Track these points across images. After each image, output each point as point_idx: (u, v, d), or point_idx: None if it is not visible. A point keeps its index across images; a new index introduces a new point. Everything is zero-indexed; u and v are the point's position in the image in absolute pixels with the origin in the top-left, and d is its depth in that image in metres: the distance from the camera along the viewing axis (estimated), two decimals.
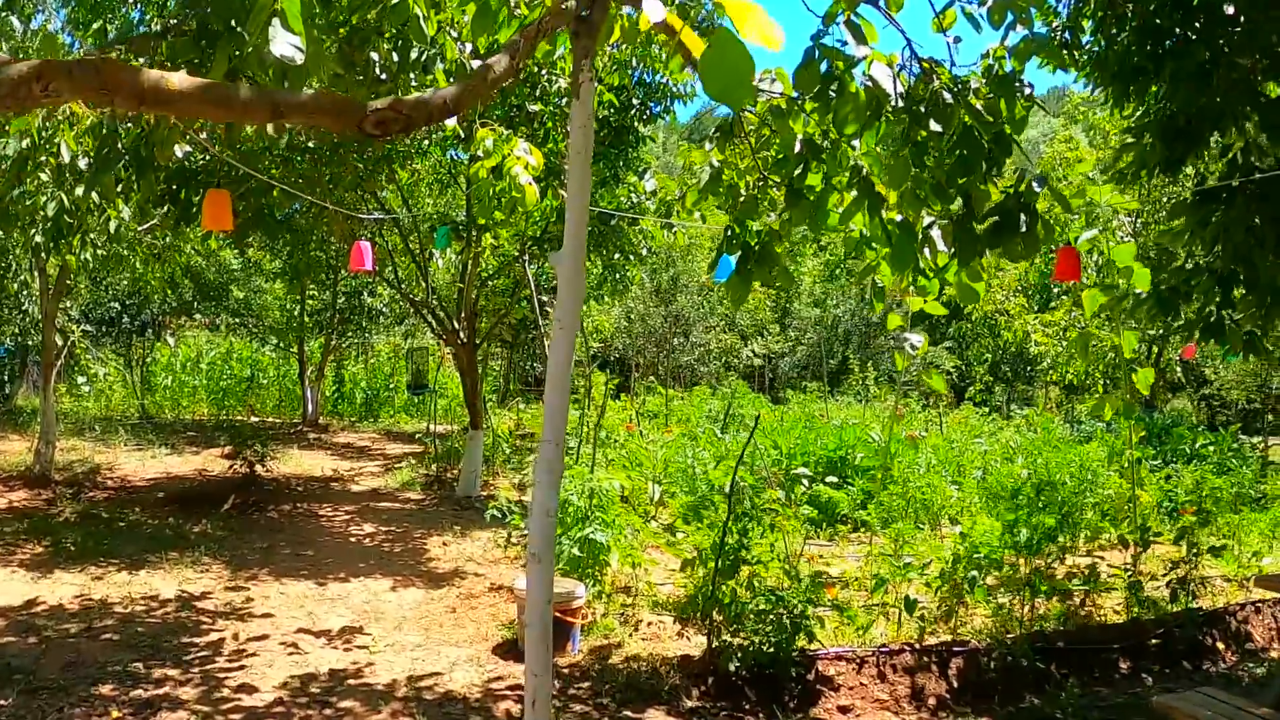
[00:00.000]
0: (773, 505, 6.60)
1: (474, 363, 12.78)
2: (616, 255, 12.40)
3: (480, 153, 6.06)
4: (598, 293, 16.26)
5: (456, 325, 12.44)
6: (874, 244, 6.16)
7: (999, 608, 6.93)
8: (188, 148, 7.96)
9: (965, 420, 17.28)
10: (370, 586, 7.84)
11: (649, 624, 6.75)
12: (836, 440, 11.98)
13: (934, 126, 4.59)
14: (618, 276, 12.66)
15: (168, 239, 13.79)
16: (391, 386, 23.70)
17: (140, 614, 6.71)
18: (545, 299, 18.38)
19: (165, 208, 8.72)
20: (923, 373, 8.58)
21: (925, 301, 8.55)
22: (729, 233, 6.01)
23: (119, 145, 4.94)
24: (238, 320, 22.83)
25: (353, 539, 9.74)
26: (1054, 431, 15.33)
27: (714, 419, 15.67)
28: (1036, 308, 21.13)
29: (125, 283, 19.58)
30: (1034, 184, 4.87)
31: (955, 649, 6.37)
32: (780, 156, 5.80)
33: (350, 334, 22.54)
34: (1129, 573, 7.62)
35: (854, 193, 5.40)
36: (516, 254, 12.92)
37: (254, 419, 19.97)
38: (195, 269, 19.59)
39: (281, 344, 21.60)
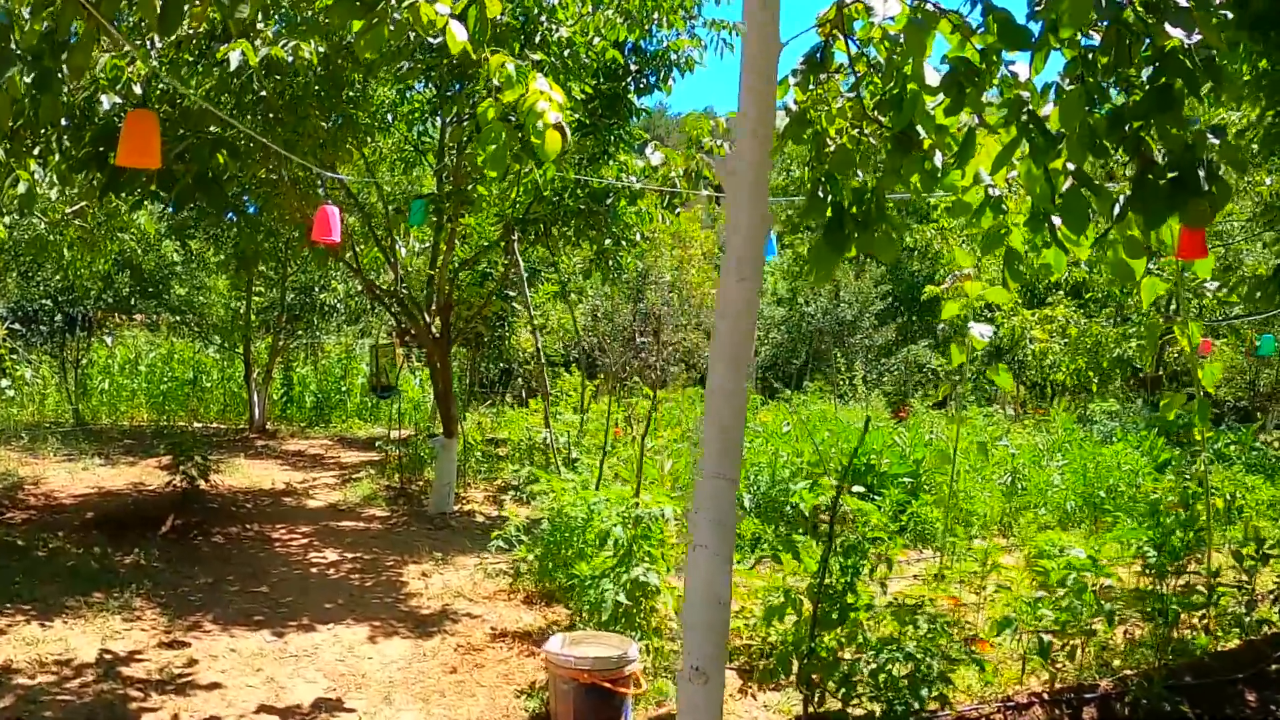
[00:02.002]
0: (879, 534, 5.27)
1: (447, 361, 11.32)
2: (608, 241, 11.02)
3: (497, 82, 4.67)
4: (587, 283, 14.93)
5: (428, 319, 10.98)
6: (1003, 205, 4.96)
7: (1130, 643, 5.93)
8: (116, 99, 6.52)
9: (971, 420, 16.15)
10: (343, 637, 6.36)
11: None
12: (862, 446, 10.70)
13: (1174, 31, 3.34)
14: (610, 264, 11.25)
15: (101, 222, 12.18)
16: (344, 389, 22.13)
17: (50, 687, 5.18)
18: (514, 294, 16.99)
19: (90, 176, 7.25)
20: (988, 369, 7.33)
21: (986, 288, 7.43)
22: (818, 192, 4.71)
23: (14, 46, 3.47)
24: (179, 319, 21.08)
25: (314, 569, 8.25)
26: (1075, 431, 14.24)
27: None
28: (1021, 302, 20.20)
29: (56, 276, 17.84)
30: (1208, 134, 3.74)
31: (1085, 695, 5.23)
32: (894, 92, 4.52)
33: (300, 333, 20.92)
34: (1243, 591, 6.58)
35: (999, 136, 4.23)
36: (496, 238, 11.49)
37: (197, 425, 18.31)
38: (132, 258, 17.92)
39: (226, 344, 19.94)
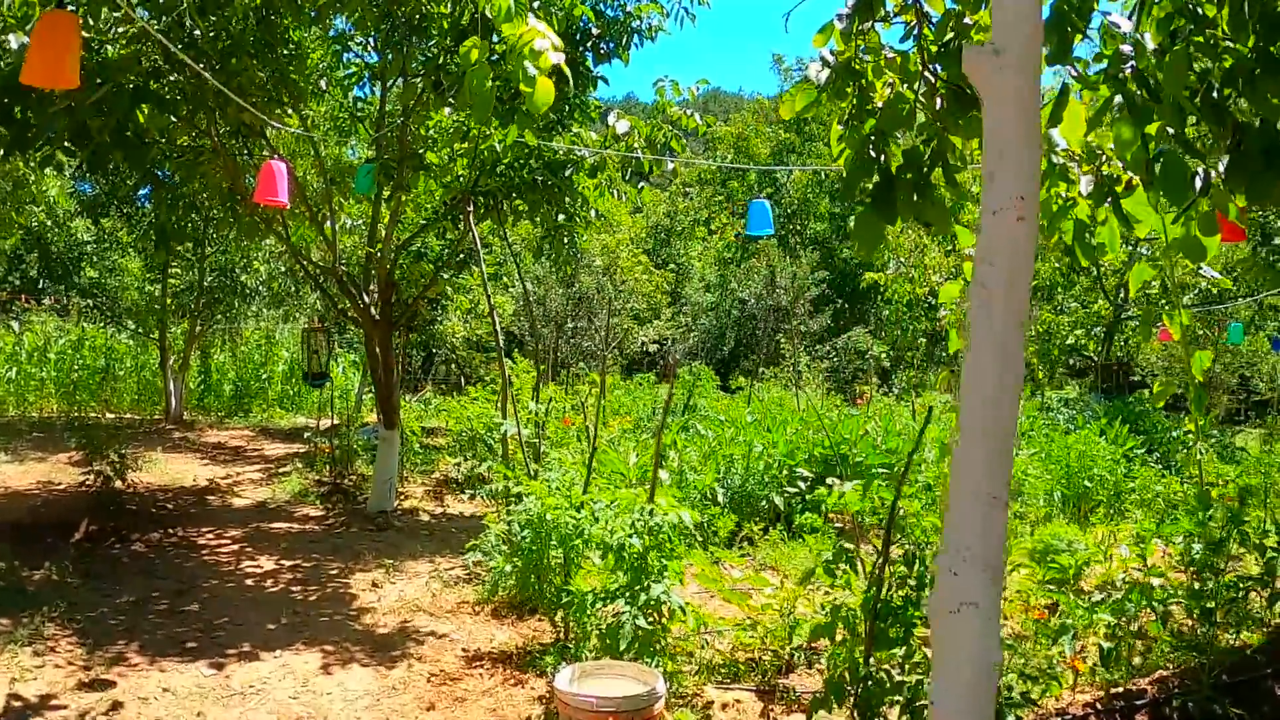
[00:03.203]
0: (933, 537, 4.67)
1: (389, 345, 10.46)
2: (561, 217, 10.28)
3: (489, 14, 3.94)
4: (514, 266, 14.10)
5: (368, 300, 10.12)
6: (1066, 178, 4.40)
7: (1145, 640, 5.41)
8: (25, 39, 5.60)
9: (924, 406, 15.79)
10: (294, 666, 5.51)
11: (721, 705, 4.75)
12: (833, 435, 10.17)
13: None
14: (565, 240, 10.50)
15: (8, 194, 11.06)
16: (264, 377, 21.06)
17: None
18: (448, 275, 16.08)
19: None
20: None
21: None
22: (866, 154, 4.09)
23: None
24: (90, 303, 19.74)
25: (249, 581, 7.38)
26: (1039, 420, 13.94)
27: (670, 411, 13.67)
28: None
29: None
30: None
31: (1136, 702, 4.85)
32: (957, 43, 3.94)
33: (219, 318, 19.76)
34: (1264, 584, 6.26)
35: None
36: (442, 212, 10.65)
37: (110, 416, 17.13)
38: (41, 234, 16.63)
39: (140, 330, 18.70)
